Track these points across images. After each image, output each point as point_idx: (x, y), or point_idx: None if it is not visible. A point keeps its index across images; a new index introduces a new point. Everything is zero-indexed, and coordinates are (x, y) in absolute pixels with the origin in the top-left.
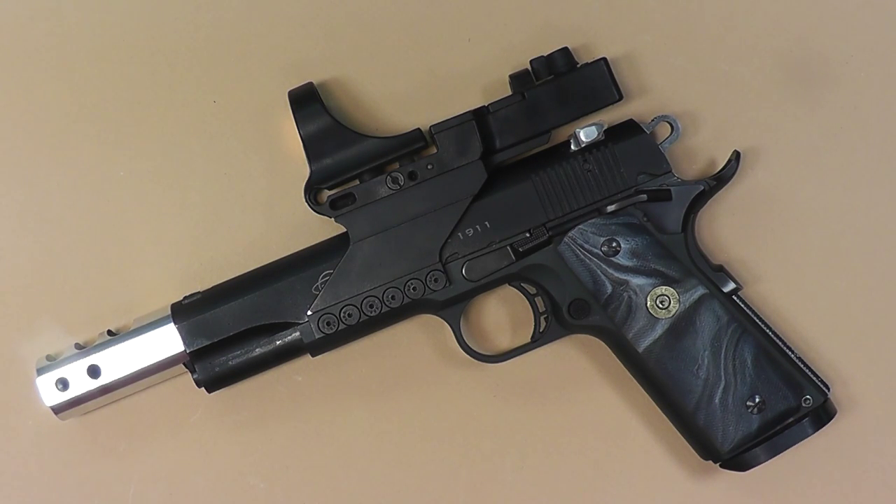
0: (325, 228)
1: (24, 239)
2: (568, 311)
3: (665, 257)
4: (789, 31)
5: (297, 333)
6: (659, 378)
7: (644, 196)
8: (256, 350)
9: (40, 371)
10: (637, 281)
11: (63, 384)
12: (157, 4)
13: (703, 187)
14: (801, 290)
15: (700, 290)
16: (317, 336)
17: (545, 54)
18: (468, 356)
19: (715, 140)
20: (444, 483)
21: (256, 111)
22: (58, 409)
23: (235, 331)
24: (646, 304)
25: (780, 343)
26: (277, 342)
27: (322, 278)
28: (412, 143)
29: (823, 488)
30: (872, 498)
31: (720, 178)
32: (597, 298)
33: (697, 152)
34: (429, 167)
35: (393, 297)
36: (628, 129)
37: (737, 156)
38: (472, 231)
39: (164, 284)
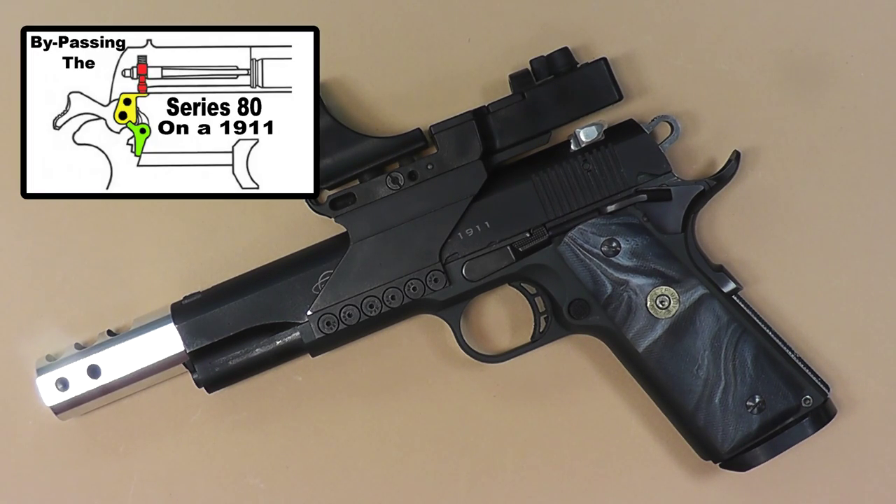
0: (325, 228)
1: (24, 239)
2: (568, 311)
3: (665, 257)
4: (789, 31)
5: (297, 333)
6: (659, 378)
7: (644, 196)
8: (256, 350)
9: (40, 371)
10: (637, 281)
11: (63, 384)
12: (157, 4)
13: (703, 187)
14: (801, 290)
15: (700, 290)
16: (317, 336)
17: (545, 54)
18: (468, 356)
19: (715, 140)
20: (444, 483)
21: None
22: (58, 409)
23: (235, 331)
24: (646, 304)
25: (780, 343)
26: (277, 342)
27: (322, 278)
28: (412, 143)
29: (823, 488)
30: (872, 498)
31: (720, 178)
32: (597, 298)
33: (697, 152)
34: (429, 167)
35: (393, 298)
36: (628, 129)
37: (737, 156)
38: (472, 231)
39: (164, 284)
